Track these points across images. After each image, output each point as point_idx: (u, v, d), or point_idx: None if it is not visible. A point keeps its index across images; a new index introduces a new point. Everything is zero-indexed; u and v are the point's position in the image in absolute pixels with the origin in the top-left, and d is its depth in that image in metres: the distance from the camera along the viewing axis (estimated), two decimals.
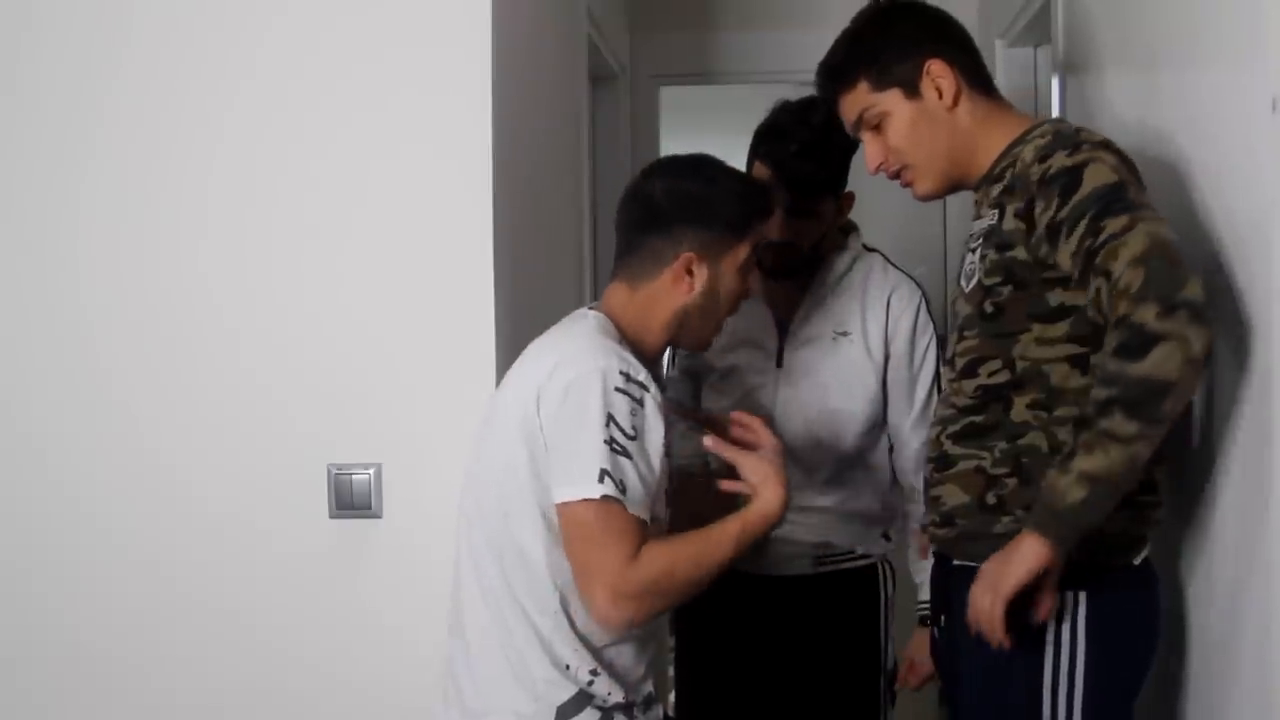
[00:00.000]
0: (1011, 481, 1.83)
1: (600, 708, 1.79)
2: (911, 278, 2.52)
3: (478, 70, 2.08)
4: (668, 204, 1.89)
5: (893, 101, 1.97)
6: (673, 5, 3.85)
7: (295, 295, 2.12)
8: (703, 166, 1.95)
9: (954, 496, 1.89)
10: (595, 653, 1.79)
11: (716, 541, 1.79)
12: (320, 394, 2.12)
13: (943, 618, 2.03)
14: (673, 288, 1.89)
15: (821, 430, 2.43)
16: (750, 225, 1.93)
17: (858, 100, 2.00)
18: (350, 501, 2.10)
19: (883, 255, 2.52)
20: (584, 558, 1.73)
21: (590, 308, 1.94)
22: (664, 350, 1.98)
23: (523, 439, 1.76)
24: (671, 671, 2.74)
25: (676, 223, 1.88)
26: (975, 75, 1.98)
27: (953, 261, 3.97)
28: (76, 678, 2.16)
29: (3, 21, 2.13)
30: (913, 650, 2.48)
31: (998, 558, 1.76)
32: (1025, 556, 1.72)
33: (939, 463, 1.93)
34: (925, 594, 2.47)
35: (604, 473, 1.70)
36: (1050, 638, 1.81)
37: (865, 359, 2.43)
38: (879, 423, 2.46)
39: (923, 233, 4.08)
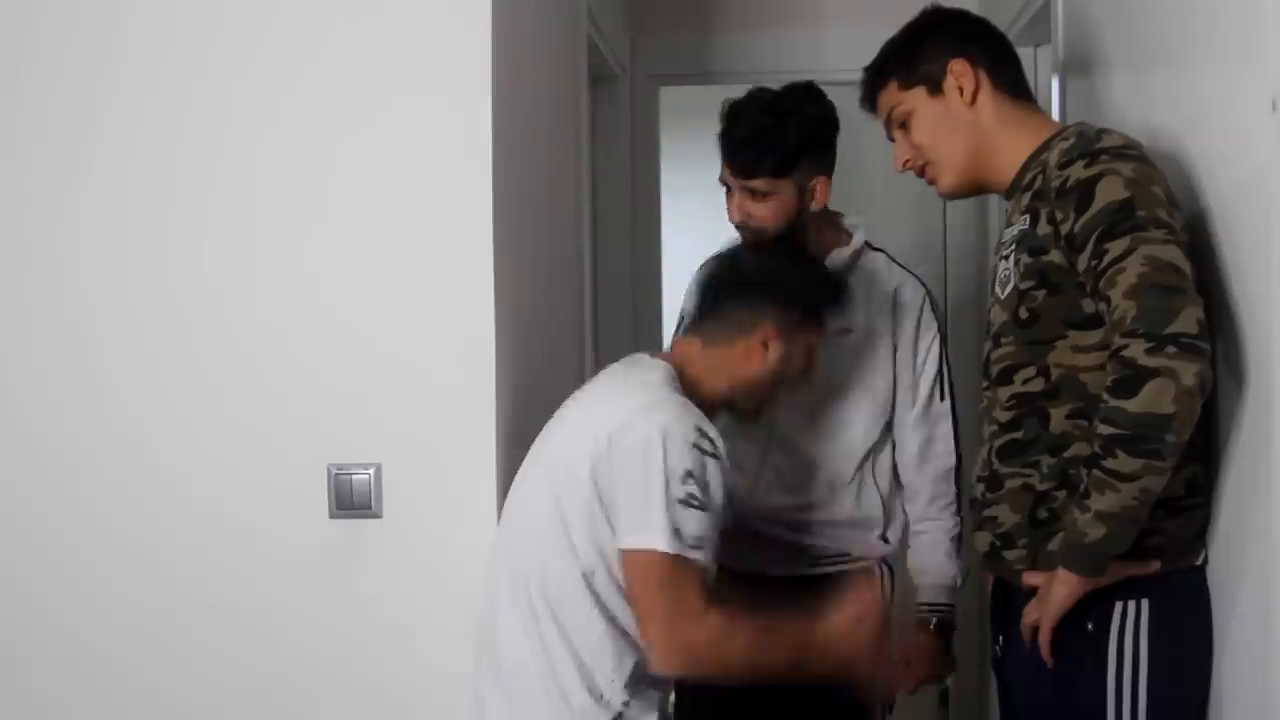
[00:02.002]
0: (1060, 494, 1.85)
1: None
2: (916, 275, 2.51)
3: (477, 72, 2.08)
4: (757, 278, 2.00)
5: (917, 99, 2.04)
6: (673, 5, 3.85)
7: (296, 296, 2.12)
8: (793, 250, 2.10)
9: (1007, 517, 1.91)
10: (631, 684, 1.84)
11: (778, 637, 1.87)
12: (320, 394, 2.12)
13: (1001, 638, 2.05)
14: (745, 357, 1.98)
15: (826, 428, 2.42)
16: (826, 314, 2.09)
17: (888, 99, 2.08)
18: (350, 501, 2.10)
19: (887, 254, 2.51)
20: (648, 605, 1.80)
21: (654, 355, 2.01)
22: (719, 409, 2.03)
23: (590, 480, 1.81)
24: None
25: (762, 298, 1.99)
26: (1004, 79, 2.02)
27: (953, 262, 3.98)
28: (76, 678, 2.15)
29: (3, 21, 2.13)
30: (908, 652, 2.46)
31: (1037, 599, 1.83)
32: (1058, 594, 1.79)
33: (990, 482, 1.95)
34: (924, 596, 2.47)
35: (675, 530, 1.77)
36: (1113, 649, 1.82)
37: (871, 355, 2.42)
38: (886, 422, 2.44)
39: (923, 233, 4.08)
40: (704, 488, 1.80)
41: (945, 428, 2.46)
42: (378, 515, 2.11)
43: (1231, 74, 1.77)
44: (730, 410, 2.06)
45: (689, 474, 1.78)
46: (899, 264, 2.51)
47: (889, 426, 2.45)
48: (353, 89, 2.11)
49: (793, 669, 1.90)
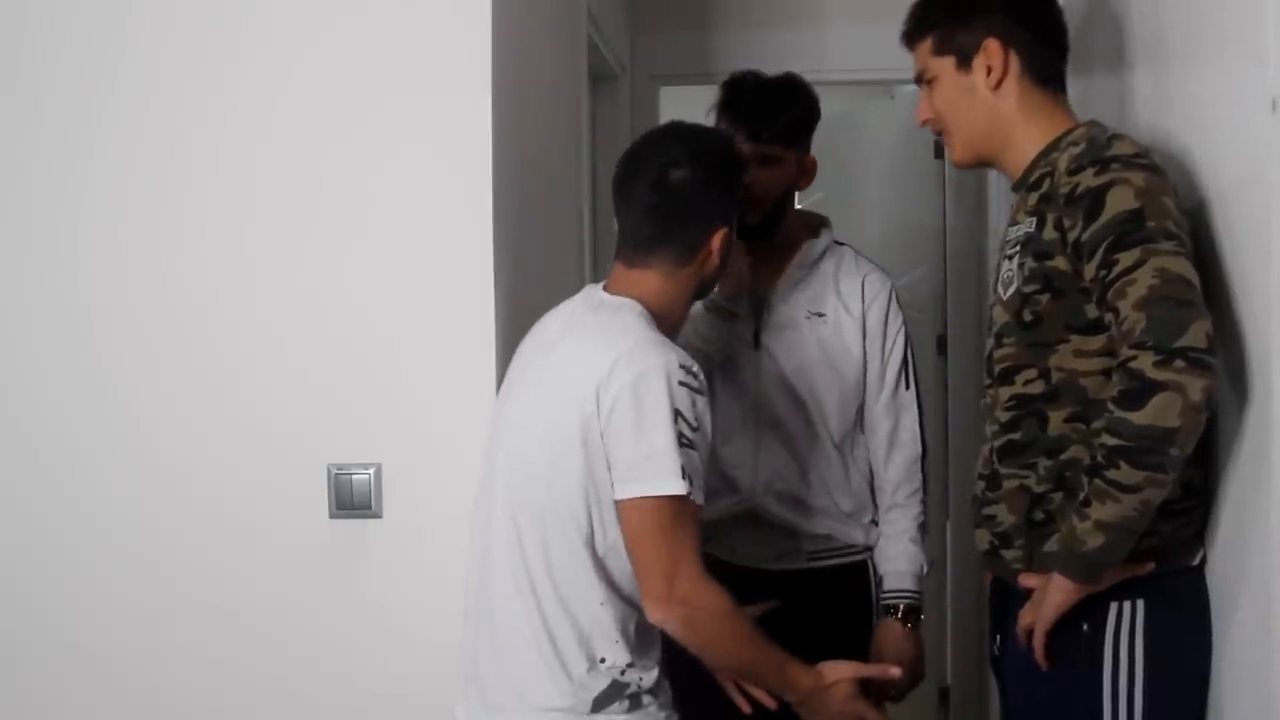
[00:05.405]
0: (1057, 496, 1.85)
1: (632, 695, 1.83)
2: (881, 268, 2.55)
3: (477, 70, 2.08)
4: (702, 193, 1.92)
5: (945, 68, 2.00)
6: (673, 5, 3.85)
7: (295, 295, 2.12)
8: (707, 141, 2.00)
9: (1005, 516, 1.92)
10: (631, 645, 1.83)
11: (770, 652, 1.86)
12: (320, 394, 2.12)
13: (999, 637, 2.06)
14: (704, 264, 1.95)
15: (804, 411, 2.45)
16: (740, 187, 2.01)
17: (921, 56, 2.04)
18: (350, 501, 2.10)
19: (854, 249, 2.56)
20: (653, 549, 1.78)
21: (607, 289, 1.94)
22: (682, 324, 2.02)
23: (579, 435, 1.79)
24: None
25: (711, 210, 1.93)
26: (1036, 65, 1.96)
27: (953, 262, 3.98)
28: (76, 678, 2.16)
29: (3, 21, 2.13)
30: (880, 645, 2.41)
31: (1032, 602, 1.84)
32: (1053, 599, 1.79)
33: (990, 481, 1.95)
34: (890, 583, 2.44)
35: (681, 469, 1.75)
36: (1109, 650, 1.82)
37: (841, 339, 2.45)
38: (858, 407, 2.47)
39: (923, 233, 4.09)
40: (695, 424, 1.78)
41: (910, 416, 2.48)
42: (378, 515, 2.11)
43: (1231, 74, 1.77)
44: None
45: (678, 413, 1.76)
46: (866, 258, 2.56)
47: (861, 412, 2.48)
48: (350, 89, 2.11)
49: (762, 683, 1.93)
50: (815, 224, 2.55)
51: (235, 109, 2.12)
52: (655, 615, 1.79)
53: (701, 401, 1.81)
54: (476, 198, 2.09)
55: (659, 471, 1.75)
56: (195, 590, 2.14)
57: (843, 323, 2.46)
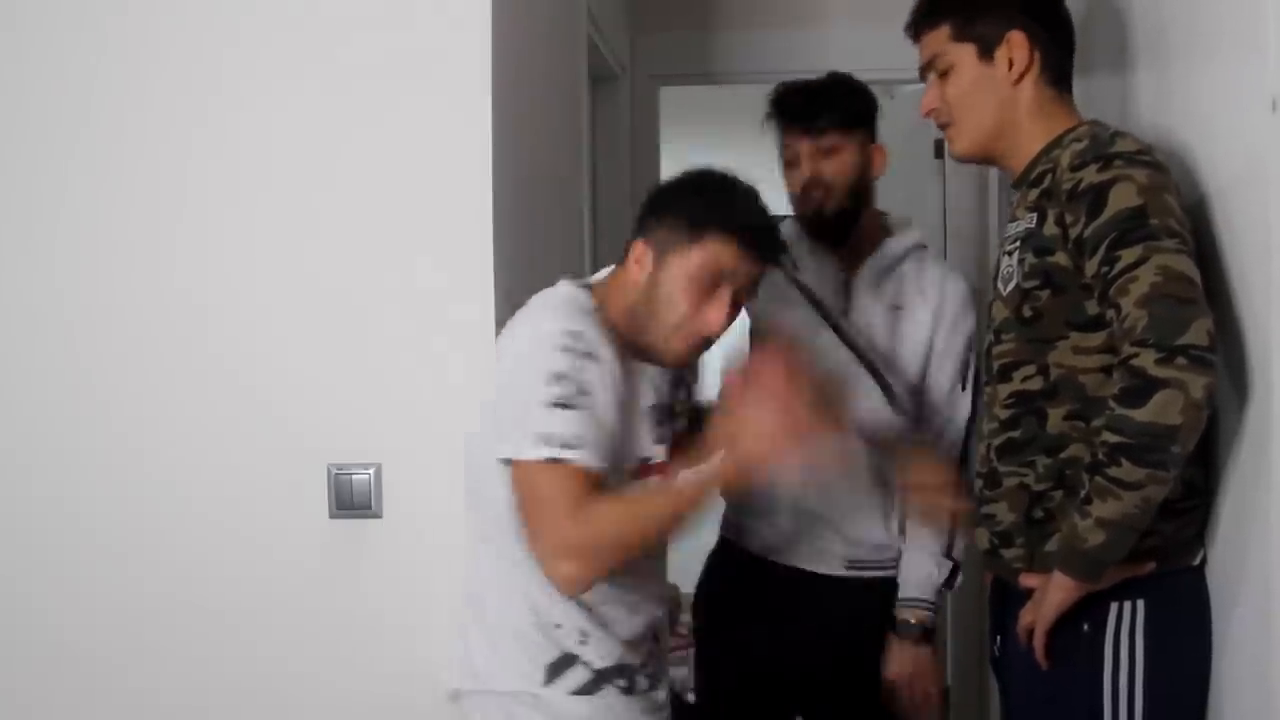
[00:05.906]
0: (1057, 494, 1.85)
1: (592, 669, 1.83)
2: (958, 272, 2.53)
3: (478, 70, 2.08)
4: (644, 200, 1.93)
5: (965, 57, 1.97)
6: (673, 5, 3.85)
7: (295, 295, 2.12)
8: (696, 171, 1.93)
9: (1005, 515, 1.91)
10: (585, 613, 1.82)
11: (656, 505, 1.78)
12: (320, 394, 2.12)
13: (999, 638, 2.05)
14: (625, 277, 1.88)
15: (876, 400, 2.40)
16: (705, 230, 1.81)
17: (935, 42, 2.00)
18: (350, 501, 2.10)
19: (934, 254, 2.53)
20: (529, 517, 1.76)
21: (579, 282, 1.95)
22: (639, 341, 1.87)
23: (493, 406, 1.82)
24: (691, 652, 2.76)
25: (645, 215, 1.91)
26: (1052, 64, 1.96)
27: (953, 261, 3.97)
28: (74, 678, 2.16)
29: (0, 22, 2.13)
30: (898, 667, 2.38)
31: (1033, 602, 1.84)
32: (1053, 597, 1.79)
33: (989, 479, 1.95)
34: (909, 591, 2.39)
35: (548, 434, 1.71)
36: (1109, 650, 1.82)
37: (916, 333, 2.42)
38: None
39: (923, 229, 4.08)
40: (579, 388, 1.73)
41: (959, 420, 2.43)
42: (378, 515, 2.11)
43: (1231, 74, 1.77)
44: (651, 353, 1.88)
45: (558, 376, 1.72)
46: (944, 261, 2.54)
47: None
48: (351, 90, 2.11)
49: (682, 515, 1.77)
50: (898, 225, 2.50)
51: (235, 110, 2.12)
52: (552, 580, 1.74)
53: (591, 365, 1.74)
54: (476, 198, 2.09)
55: (526, 435, 1.73)
56: (194, 591, 2.14)
57: (920, 316, 2.42)
